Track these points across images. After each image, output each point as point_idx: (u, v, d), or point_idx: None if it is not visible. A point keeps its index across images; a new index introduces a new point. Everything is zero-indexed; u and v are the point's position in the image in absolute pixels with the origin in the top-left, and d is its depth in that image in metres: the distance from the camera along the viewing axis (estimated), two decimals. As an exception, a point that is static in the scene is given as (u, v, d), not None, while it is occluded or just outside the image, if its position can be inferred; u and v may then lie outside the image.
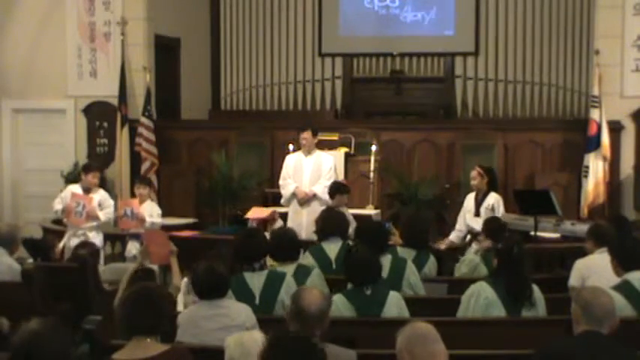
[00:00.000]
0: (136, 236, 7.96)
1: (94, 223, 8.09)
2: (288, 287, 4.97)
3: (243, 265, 5.16)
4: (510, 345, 4.20)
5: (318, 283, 5.42)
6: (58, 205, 8.16)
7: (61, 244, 7.85)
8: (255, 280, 5.04)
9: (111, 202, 8.33)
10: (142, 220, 7.92)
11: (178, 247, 7.56)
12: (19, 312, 4.94)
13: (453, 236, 7.97)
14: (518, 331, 4.55)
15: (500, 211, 7.69)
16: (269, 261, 5.68)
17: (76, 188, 8.29)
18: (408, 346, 3.11)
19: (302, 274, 5.38)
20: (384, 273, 5.35)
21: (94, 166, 8.56)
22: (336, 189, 7.65)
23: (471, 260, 6.37)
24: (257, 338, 3.28)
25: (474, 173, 7.94)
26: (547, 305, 4.92)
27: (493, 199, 7.75)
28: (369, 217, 8.28)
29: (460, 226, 7.94)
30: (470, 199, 7.94)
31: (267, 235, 6.92)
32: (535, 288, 4.87)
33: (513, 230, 7.48)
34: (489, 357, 4.15)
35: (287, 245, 5.57)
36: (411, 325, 3.22)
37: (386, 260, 5.52)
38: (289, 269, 5.38)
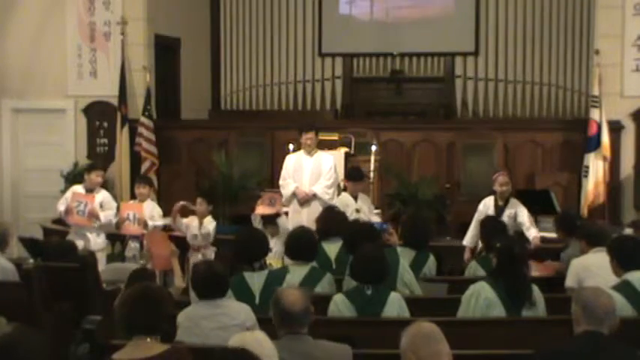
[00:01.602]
0: (136, 236, 7.96)
1: (95, 224, 8.06)
2: (289, 287, 4.96)
3: (243, 264, 5.16)
4: (510, 345, 4.20)
5: (327, 288, 5.41)
6: (61, 207, 8.12)
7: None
8: (255, 280, 5.04)
9: (114, 204, 8.28)
10: (144, 224, 7.89)
11: (178, 246, 7.60)
12: (19, 312, 4.96)
13: (467, 240, 7.82)
14: (519, 331, 4.55)
15: (525, 214, 7.54)
16: (269, 259, 5.68)
17: (79, 189, 8.27)
18: (412, 346, 3.11)
19: (314, 277, 5.38)
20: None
21: (98, 165, 8.55)
22: (346, 175, 7.68)
23: (469, 268, 6.36)
24: (260, 338, 3.27)
25: (504, 179, 7.65)
26: (547, 305, 4.91)
27: (517, 205, 7.57)
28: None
29: (474, 230, 7.77)
30: (488, 205, 7.71)
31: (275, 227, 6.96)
32: (535, 288, 4.87)
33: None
34: (489, 357, 4.14)
35: (304, 246, 5.55)
36: (415, 325, 3.21)
37: None
38: (303, 270, 5.38)
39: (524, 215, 7.56)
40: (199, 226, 7.40)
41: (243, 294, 4.92)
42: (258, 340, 3.21)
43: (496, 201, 7.68)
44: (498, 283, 4.80)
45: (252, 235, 5.47)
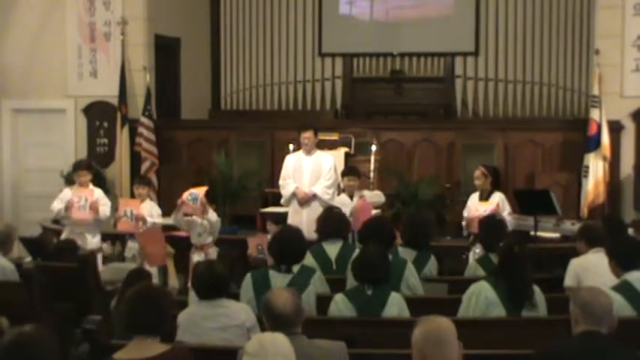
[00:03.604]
0: (134, 236, 7.96)
1: (90, 223, 8.03)
2: (309, 297, 4.95)
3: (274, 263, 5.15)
4: (510, 345, 4.20)
5: (320, 287, 5.40)
6: (59, 205, 8.08)
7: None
8: (279, 281, 5.00)
9: (107, 200, 8.26)
10: (143, 221, 7.87)
11: (178, 246, 7.59)
12: (19, 312, 4.96)
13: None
14: (518, 331, 4.55)
15: (506, 210, 7.63)
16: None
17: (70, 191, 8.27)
18: (420, 345, 3.10)
19: (305, 275, 5.35)
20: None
21: (83, 163, 8.44)
22: (343, 172, 7.71)
23: (469, 268, 6.37)
24: (276, 338, 3.25)
25: (477, 173, 7.84)
26: (547, 305, 4.91)
27: (498, 198, 7.70)
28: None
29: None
30: (474, 199, 7.87)
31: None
32: (536, 289, 4.86)
33: (512, 230, 7.46)
34: (489, 357, 4.15)
35: (292, 246, 5.51)
36: (429, 322, 3.17)
37: None
38: (293, 269, 5.36)
39: (505, 211, 7.59)
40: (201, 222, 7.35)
41: (262, 289, 4.80)
42: (274, 338, 3.18)
43: (481, 195, 7.76)
44: (499, 282, 4.80)
45: (290, 236, 5.37)
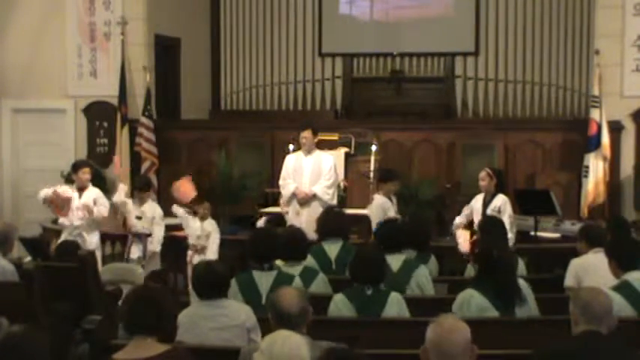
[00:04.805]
0: (139, 237, 7.97)
1: (83, 222, 8.01)
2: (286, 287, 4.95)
3: (253, 263, 5.17)
4: (508, 345, 4.20)
5: (322, 288, 5.40)
6: (43, 194, 7.99)
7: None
8: (264, 280, 5.03)
9: (105, 200, 8.23)
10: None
11: (178, 246, 7.66)
12: (19, 312, 4.96)
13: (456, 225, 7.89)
14: (516, 331, 4.55)
15: (507, 213, 7.61)
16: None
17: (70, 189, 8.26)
18: (428, 345, 3.09)
19: (308, 277, 5.36)
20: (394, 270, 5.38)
21: (83, 161, 8.45)
22: (380, 177, 7.70)
23: (468, 269, 6.36)
24: (288, 337, 3.24)
25: (482, 174, 7.81)
26: (546, 305, 4.91)
27: (500, 200, 7.66)
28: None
29: (462, 218, 7.86)
30: (478, 201, 7.85)
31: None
32: (522, 283, 4.86)
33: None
34: (488, 357, 4.14)
35: (296, 245, 5.54)
36: (441, 327, 3.13)
37: (399, 259, 5.51)
38: (296, 270, 5.37)
39: (506, 214, 7.56)
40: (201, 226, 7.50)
41: (250, 293, 4.90)
42: (285, 339, 3.17)
43: (484, 197, 7.77)
44: (486, 287, 4.77)
45: (267, 234, 5.45)
